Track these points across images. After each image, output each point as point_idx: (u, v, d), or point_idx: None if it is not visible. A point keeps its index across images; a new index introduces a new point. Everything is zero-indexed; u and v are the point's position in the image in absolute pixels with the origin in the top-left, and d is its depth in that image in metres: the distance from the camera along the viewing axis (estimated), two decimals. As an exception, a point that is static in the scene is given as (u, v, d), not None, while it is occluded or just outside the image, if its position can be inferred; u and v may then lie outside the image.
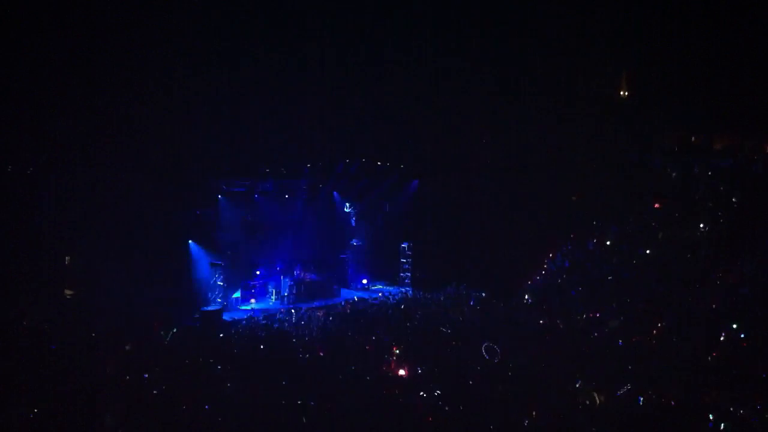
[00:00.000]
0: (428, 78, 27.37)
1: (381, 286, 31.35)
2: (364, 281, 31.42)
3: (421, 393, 16.13)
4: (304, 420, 14.46)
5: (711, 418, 14.36)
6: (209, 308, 25.58)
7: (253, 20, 25.30)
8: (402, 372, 17.87)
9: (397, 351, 19.25)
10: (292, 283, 28.78)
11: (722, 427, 14.00)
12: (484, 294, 26.48)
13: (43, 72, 22.91)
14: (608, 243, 26.77)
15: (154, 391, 15.78)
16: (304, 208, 31.66)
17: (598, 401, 15.21)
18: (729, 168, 26.54)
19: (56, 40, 22.70)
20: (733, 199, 25.65)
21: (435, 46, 26.53)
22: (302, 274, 29.80)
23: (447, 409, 15.20)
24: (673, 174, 27.35)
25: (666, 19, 25.75)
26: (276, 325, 23.36)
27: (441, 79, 27.30)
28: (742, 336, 19.75)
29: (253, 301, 28.38)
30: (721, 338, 19.92)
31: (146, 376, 16.62)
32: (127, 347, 18.84)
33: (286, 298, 28.31)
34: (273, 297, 28.75)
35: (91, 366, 17.05)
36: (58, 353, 18.15)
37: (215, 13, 24.91)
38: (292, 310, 24.99)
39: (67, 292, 25.15)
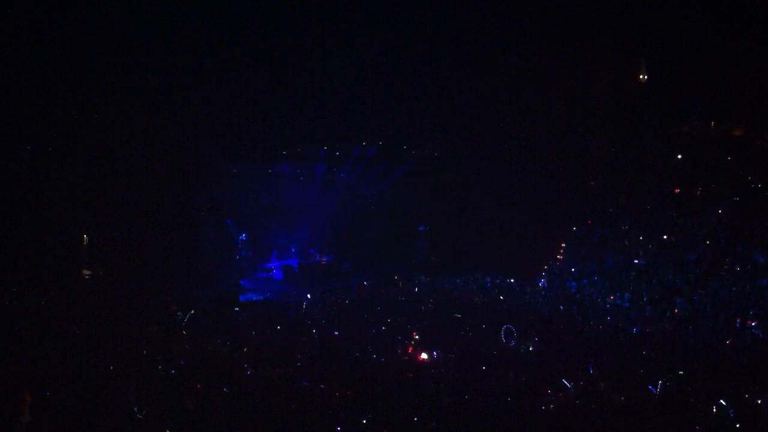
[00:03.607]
0: (442, 64, 27.22)
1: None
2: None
3: (435, 377, 16.23)
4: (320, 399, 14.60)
5: (725, 406, 14.37)
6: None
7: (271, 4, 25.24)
8: (418, 356, 17.96)
9: (417, 336, 19.35)
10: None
11: (736, 416, 14.00)
12: (499, 280, 26.50)
13: (65, 55, 23.03)
14: (624, 228, 26.67)
15: (171, 371, 15.95)
16: (321, 191, 31.74)
17: (612, 388, 15.23)
18: (748, 155, 26.31)
19: (81, 26, 22.82)
20: (752, 186, 25.46)
21: (451, 33, 26.36)
22: (318, 257, 29.93)
23: (460, 394, 15.28)
24: (691, 161, 27.16)
25: (683, 5, 25.46)
26: (291, 313, 23.48)
27: (453, 66, 27.14)
28: (754, 324, 19.73)
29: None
30: (737, 326, 19.92)
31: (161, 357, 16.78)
32: (150, 328, 19.01)
33: None
34: None
35: (109, 347, 17.23)
36: (76, 334, 18.34)
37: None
38: (308, 295, 25.08)
39: (85, 272, 25.40)
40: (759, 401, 14.36)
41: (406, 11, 25.38)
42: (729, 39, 24.46)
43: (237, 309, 22.72)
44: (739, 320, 19.92)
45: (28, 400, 13.14)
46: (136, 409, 13.51)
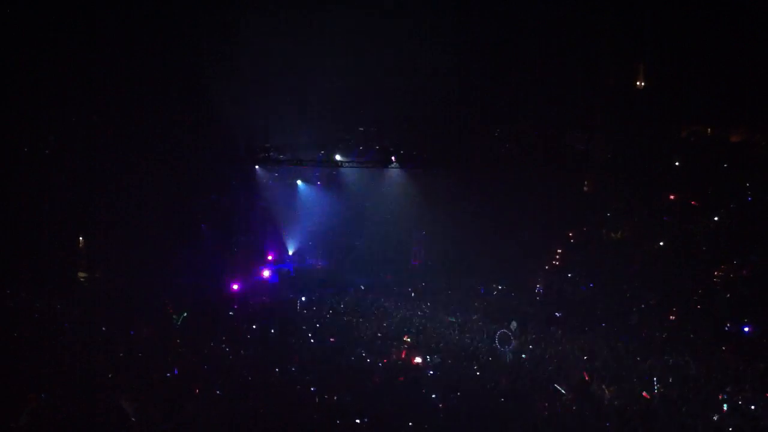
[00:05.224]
0: (441, 68, 27.12)
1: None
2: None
3: (430, 381, 16.24)
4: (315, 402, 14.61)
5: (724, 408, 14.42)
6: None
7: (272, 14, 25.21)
8: (412, 360, 17.95)
9: (408, 339, 19.37)
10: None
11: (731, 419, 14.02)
12: (495, 285, 26.51)
13: (66, 58, 23.02)
14: (618, 235, 26.69)
15: (167, 374, 15.94)
16: (318, 194, 31.71)
17: (607, 393, 15.23)
18: (745, 161, 26.30)
19: (79, 30, 22.83)
20: (749, 192, 25.47)
21: (450, 36, 26.28)
22: (314, 261, 29.84)
23: (456, 398, 15.29)
24: (688, 166, 27.14)
25: (682, 8, 25.45)
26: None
27: (451, 71, 27.04)
28: (747, 330, 19.76)
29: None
30: (733, 331, 19.96)
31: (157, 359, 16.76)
32: (144, 330, 18.99)
33: None
34: None
35: (104, 349, 17.22)
36: (71, 336, 18.33)
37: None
38: (303, 298, 25.04)
39: (81, 274, 25.35)
40: (753, 407, 14.39)
41: (404, 14, 25.33)
42: (728, 43, 24.44)
43: (231, 313, 22.68)
44: (736, 324, 19.95)
45: (31, 402, 13.18)
46: (132, 411, 13.52)
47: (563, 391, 15.52)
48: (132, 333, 18.98)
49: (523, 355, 18.23)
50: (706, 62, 24.76)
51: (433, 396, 15.34)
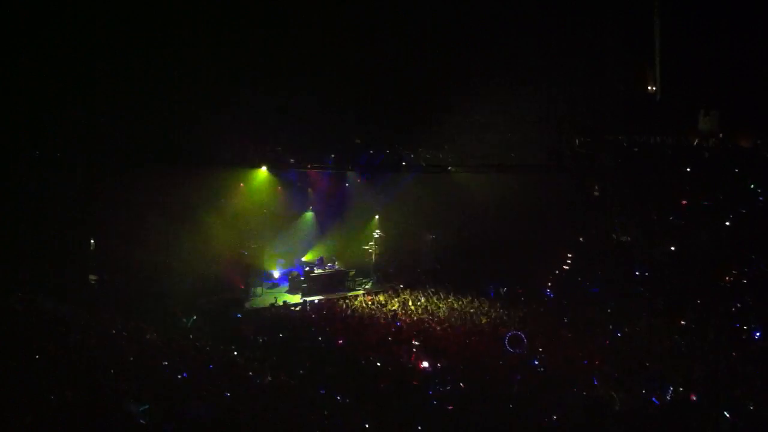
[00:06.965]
0: (448, 72, 27.09)
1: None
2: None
3: (439, 386, 16.22)
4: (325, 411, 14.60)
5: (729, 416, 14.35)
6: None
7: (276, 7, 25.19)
8: (423, 364, 17.93)
9: (416, 343, 19.36)
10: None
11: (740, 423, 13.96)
12: (505, 289, 26.46)
13: (69, 56, 23.06)
14: (628, 239, 26.60)
15: (179, 376, 15.97)
16: (328, 198, 31.78)
17: (616, 398, 15.17)
18: (756, 165, 26.19)
19: (85, 27, 22.86)
20: (760, 198, 25.36)
21: (457, 39, 26.25)
22: (325, 265, 29.82)
23: (466, 402, 15.27)
24: (698, 171, 27.03)
25: (693, 12, 25.38)
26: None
27: (460, 73, 27.01)
28: (757, 334, 19.67)
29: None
30: (743, 336, 19.87)
31: (166, 363, 16.77)
32: (148, 336, 19.04)
33: None
34: None
35: (113, 353, 17.25)
36: (80, 339, 18.38)
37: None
38: (315, 300, 25.05)
39: (91, 277, 25.43)
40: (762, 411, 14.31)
41: (413, 17, 25.33)
42: (739, 47, 24.35)
43: (239, 315, 22.74)
44: (746, 329, 19.88)
45: None
46: (139, 413, 13.55)
47: (574, 393, 15.50)
48: (140, 337, 19.03)
49: (536, 362, 18.21)
50: (717, 66, 24.69)
51: (443, 400, 15.36)
